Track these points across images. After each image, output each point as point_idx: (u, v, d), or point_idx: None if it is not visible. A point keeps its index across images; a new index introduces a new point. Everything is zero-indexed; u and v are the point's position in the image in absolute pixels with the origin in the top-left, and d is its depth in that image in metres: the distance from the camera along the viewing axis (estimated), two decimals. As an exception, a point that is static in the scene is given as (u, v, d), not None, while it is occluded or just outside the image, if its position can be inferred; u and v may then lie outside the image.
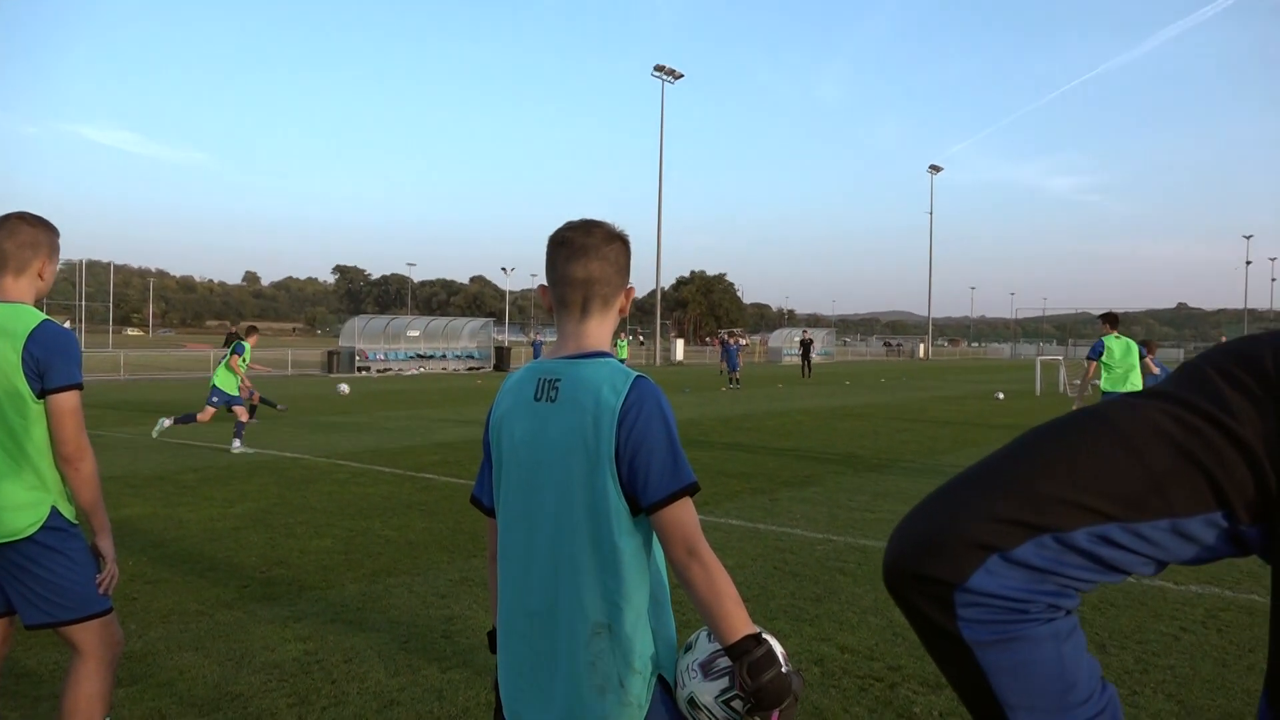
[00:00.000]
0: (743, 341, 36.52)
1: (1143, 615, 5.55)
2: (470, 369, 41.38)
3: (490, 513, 2.07)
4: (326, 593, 5.82)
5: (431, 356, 40.88)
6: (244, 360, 13.11)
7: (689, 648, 1.92)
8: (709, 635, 1.90)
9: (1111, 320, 10.64)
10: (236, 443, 12.54)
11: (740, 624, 1.76)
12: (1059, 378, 29.94)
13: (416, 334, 40.94)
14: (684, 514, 1.82)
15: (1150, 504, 0.68)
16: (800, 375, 37.24)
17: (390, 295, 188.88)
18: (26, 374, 2.83)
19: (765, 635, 1.79)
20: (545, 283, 2.03)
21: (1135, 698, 4.30)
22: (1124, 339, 10.51)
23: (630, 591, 1.85)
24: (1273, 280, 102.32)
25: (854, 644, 4.95)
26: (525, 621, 1.93)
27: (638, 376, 1.90)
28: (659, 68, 50.86)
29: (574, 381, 1.91)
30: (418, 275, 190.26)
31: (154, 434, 13.17)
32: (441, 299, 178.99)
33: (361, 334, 38.54)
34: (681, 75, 51.89)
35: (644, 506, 1.83)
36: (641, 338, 37.39)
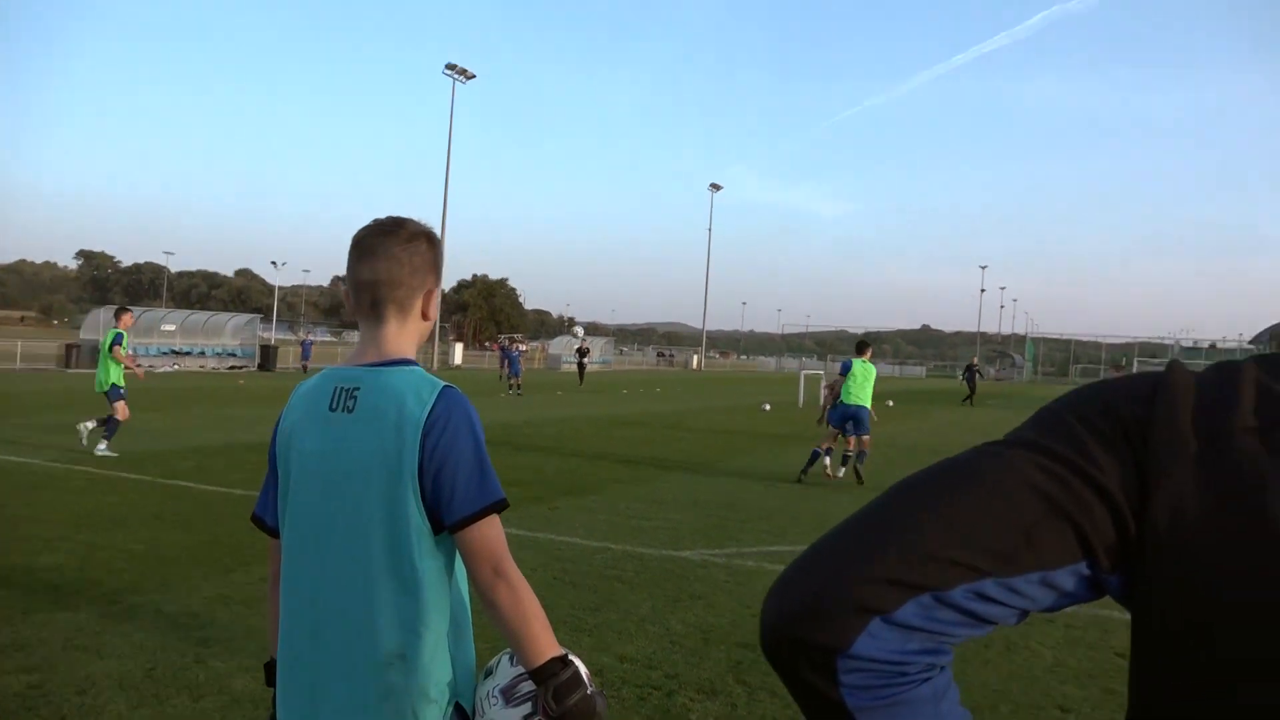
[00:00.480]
0: (523, 348, 36.42)
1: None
2: (232, 368, 38.77)
3: (274, 532, 1.90)
4: (56, 615, 5.21)
5: (189, 353, 37.99)
6: (124, 348, 12.05)
7: (489, 673, 1.83)
8: (511, 658, 1.82)
9: (861, 347, 12.61)
10: (103, 445, 11.39)
11: (547, 646, 1.69)
12: (820, 391, 31.85)
13: (172, 329, 37.90)
14: (491, 532, 1.73)
15: (1024, 558, 0.68)
16: (578, 383, 37.56)
17: (143, 286, 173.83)
18: None
19: (571, 657, 1.73)
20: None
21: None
22: (868, 364, 12.40)
23: (430, 616, 1.75)
24: (1001, 307, 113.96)
25: (632, 653, 4.99)
26: (310, 651, 1.78)
27: (445, 386, 1.79)
28: (451, 66, 49.92)
29: (374, 390, 1.78)
30: (176, 265, 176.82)
31: (95, 449, 11.50)
32: (202, 292, 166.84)
33: (107, 327, 35.17)
34: (474, 76, 51.17)
35: (448, 524, 1.73)
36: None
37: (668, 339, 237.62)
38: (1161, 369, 0.72)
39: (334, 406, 1.80)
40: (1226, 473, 0.64)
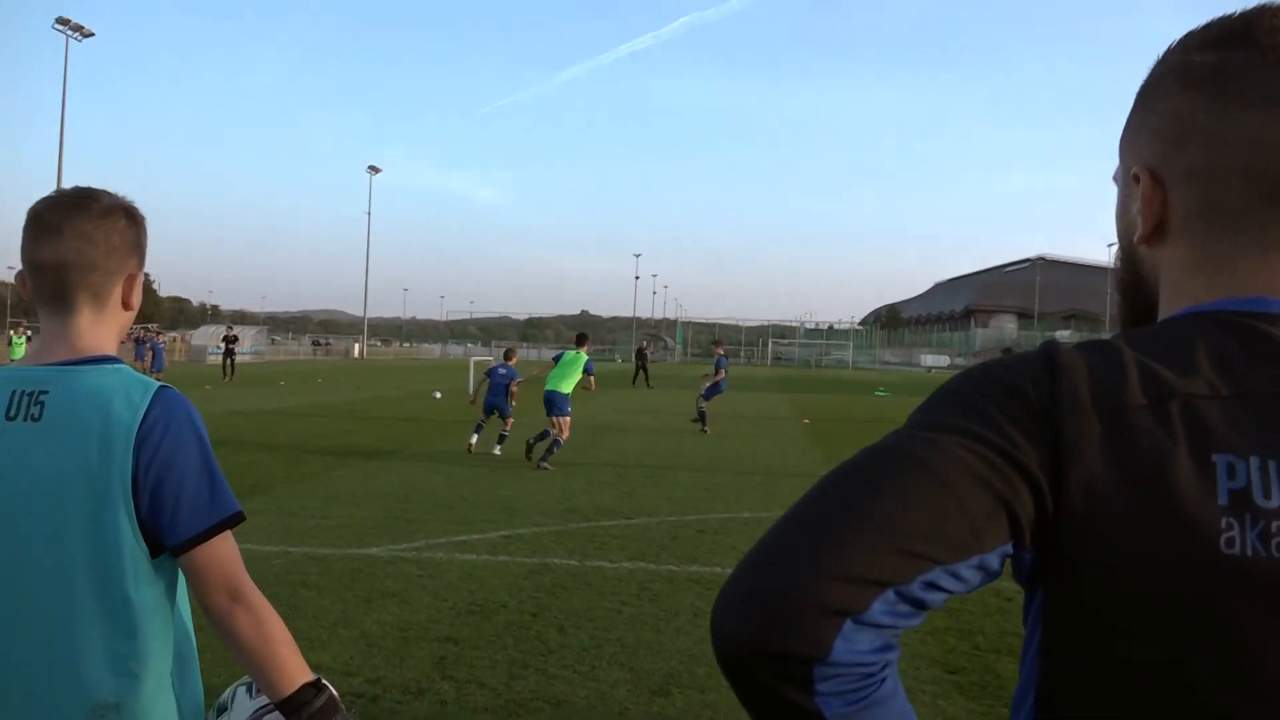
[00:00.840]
0: (161, 340, 33.08)
1: (589, 594, 6.11)
2: None
3: None
4: None
5: None
6: None
7: (222, 709, 1.63)
8: (249, 690, 1.63)
9: (580, 339, 14.08)
10: None
11: (297, 672, 1.53)
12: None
13: None
14: (224, 551, 1.54)
15: (970, 544, 0.68)
16: (222, 376, 34.73)
17: None
18: None
19: (323, 681, 1.58)
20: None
21: (594, 671, 4.71)
22: (581, 354, 13.36)
23: (149, 655, 1.51)
24: (654, 293, 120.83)
25: (328, 661, 4.70)
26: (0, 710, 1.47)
27: (160, 386, 1.56)
28: (62, 20, 43.83)
29: (69, 394, 1.51)
30: None
31: None
32: None
33: None
34: (92, 34, 45.33)
35: (170, 546, 1.51)
36: (29, 332, 31.58)
37: (325, 327, 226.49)
38: (1040, 349, 0.76)
39: (12, 414, 1.51)
40: (1129, 450, 0.69)
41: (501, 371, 13.84)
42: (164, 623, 1.56)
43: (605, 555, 7.24)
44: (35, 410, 1.51)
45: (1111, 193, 0.90)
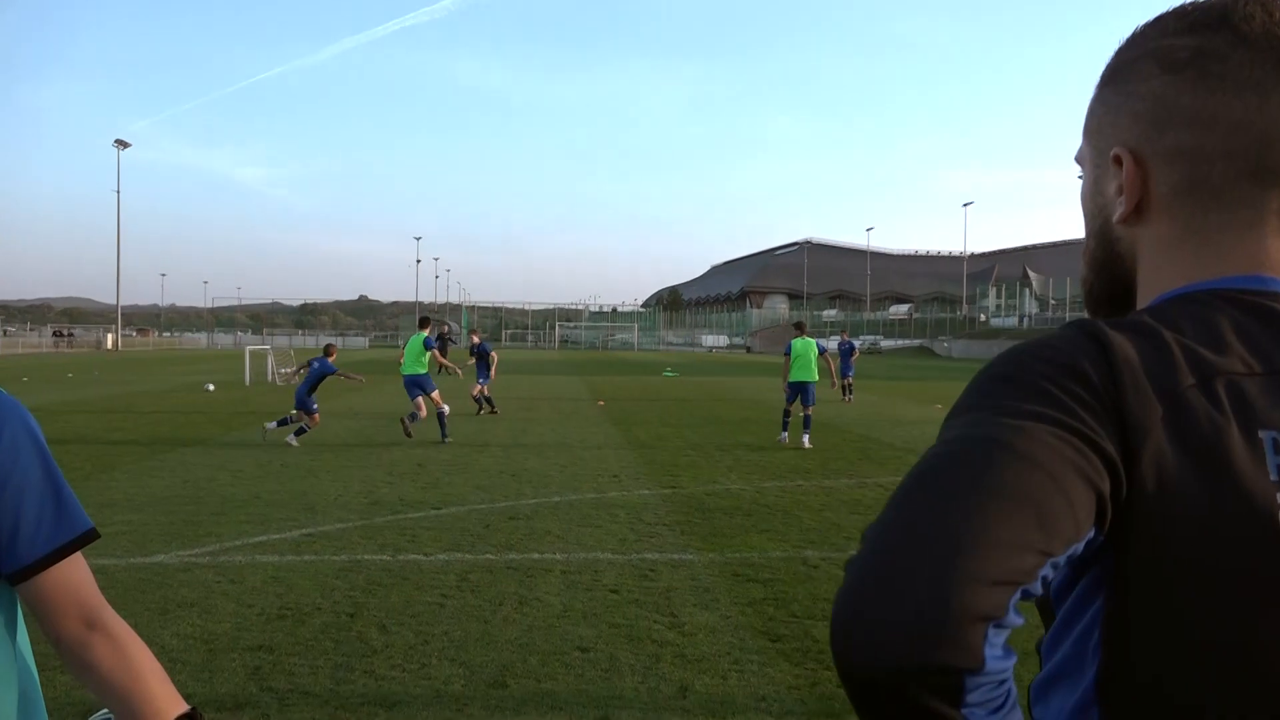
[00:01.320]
0: None
1: (409, 589, 5.91)
2: None
3: None
4: None
5: None
6: None
7: None
8: None
9: (799, 326, 14.85)
10: None
11: (169, 704, 1.37)
12: (267, 367, 30.16)
13: None
14: (77, 574, 1.35)
15: (1071, 534, 0.67)
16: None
17: None
18: None
19: (198, 711, 1.42)
20: None
21: (425, 669, 4.55)
22: (808, 340, 14.32)
23: None
24: (436, 277, 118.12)
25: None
26: None
27: None
28: None
29: None
30: None
31: None
32: None
33: None
34: None
35: (9, 572, 1.30)
36: None
37: (69, 316, 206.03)
38: (1079, 327, 0.77)
39: None
40: (1191, 430, 0.71)
41: (315, 365, 13.96)
42: (6, 661, 1.35)
43: (418, 548, 7.03)
44: None
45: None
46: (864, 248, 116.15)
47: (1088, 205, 0.92)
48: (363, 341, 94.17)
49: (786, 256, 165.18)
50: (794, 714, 4.12)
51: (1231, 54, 0.79)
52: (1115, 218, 0.87)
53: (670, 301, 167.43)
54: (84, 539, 1.36)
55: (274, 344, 48.59)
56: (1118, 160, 0.85)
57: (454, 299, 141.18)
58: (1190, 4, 0.84)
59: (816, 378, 14.18)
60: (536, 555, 6.86)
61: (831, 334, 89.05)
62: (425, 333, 14.71)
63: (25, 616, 1.44)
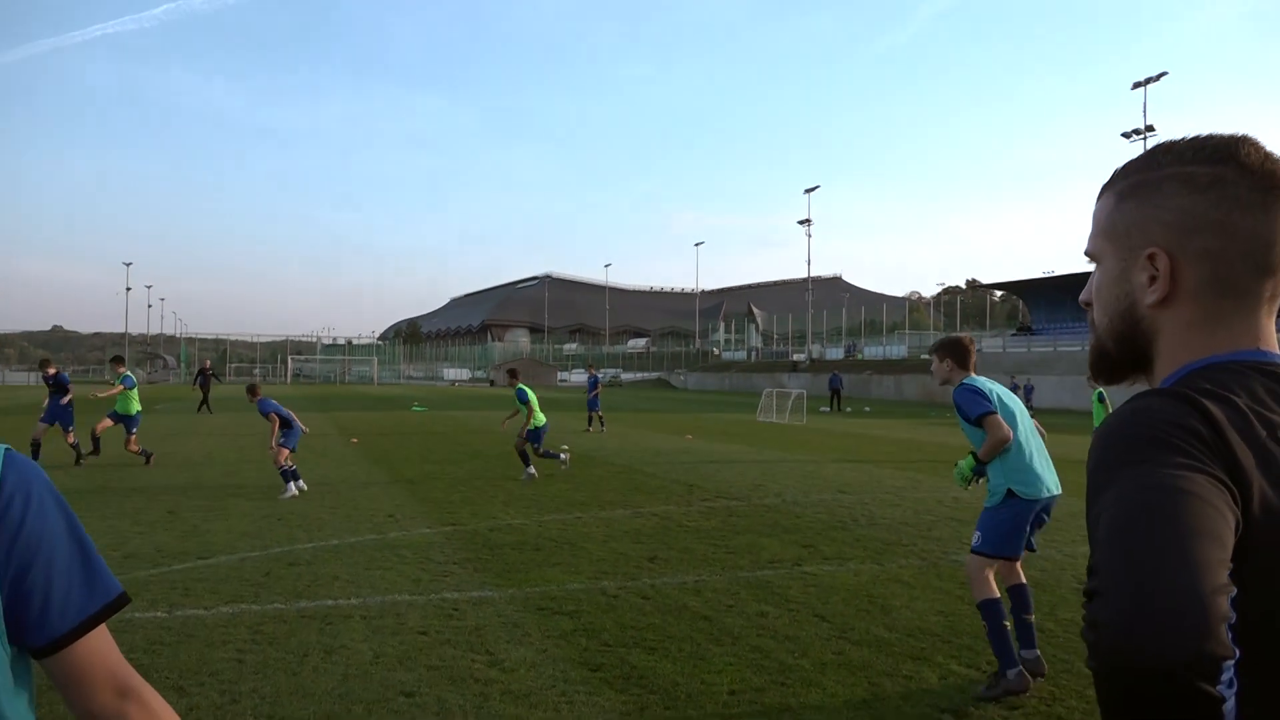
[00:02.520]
0: None
1: (198, 647, 5.50)
2: None
3: None
4: None
5: None
6: None
7: None
8: None
9: (514, 374, 14.87)
10: None
11: None
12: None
13: None
14: (106, 643, 1.30)
15: (1231, 549, 0.88)
16: None
17: None
18: None
19: None
20: None
21: (241, 730, 4.29)
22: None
23: None
24: (149, 306, 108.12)
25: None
26: None
27: (6, 450, 1.26)
28: None
29: None
30: None
31: None
32: None
33: None
34: None
35: (39, 645, 1.23)
36: None
37: None
38: (1175, 394, 1.00)
39: None
40: (1275, 470, 0.96)
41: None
42: None
43: (196, 602, 6.53)
44: None
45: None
46: (603, 283, 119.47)
47: (1110, 291, 1.17)
48: (25, 377, 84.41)
49: (527, 290, 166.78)
50: (631, 738, 4.27)
51: (1240, 181, 1.08)
52: (1147, 302, 1.12)
53: (409, 334, 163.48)
54: (116, 604, 1.30)
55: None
56: (1152, 258, 1.11)
57: (169, 330, 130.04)
58: (1203, 139, 1.13)
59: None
60: (330, 601, 6.59)
61: (575, 367, 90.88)
62: (122, 373, 16.07)
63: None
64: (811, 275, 77.50)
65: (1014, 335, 64.39)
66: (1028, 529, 5.18)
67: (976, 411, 5.12)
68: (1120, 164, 1.19)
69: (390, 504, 11.19)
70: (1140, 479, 0.93)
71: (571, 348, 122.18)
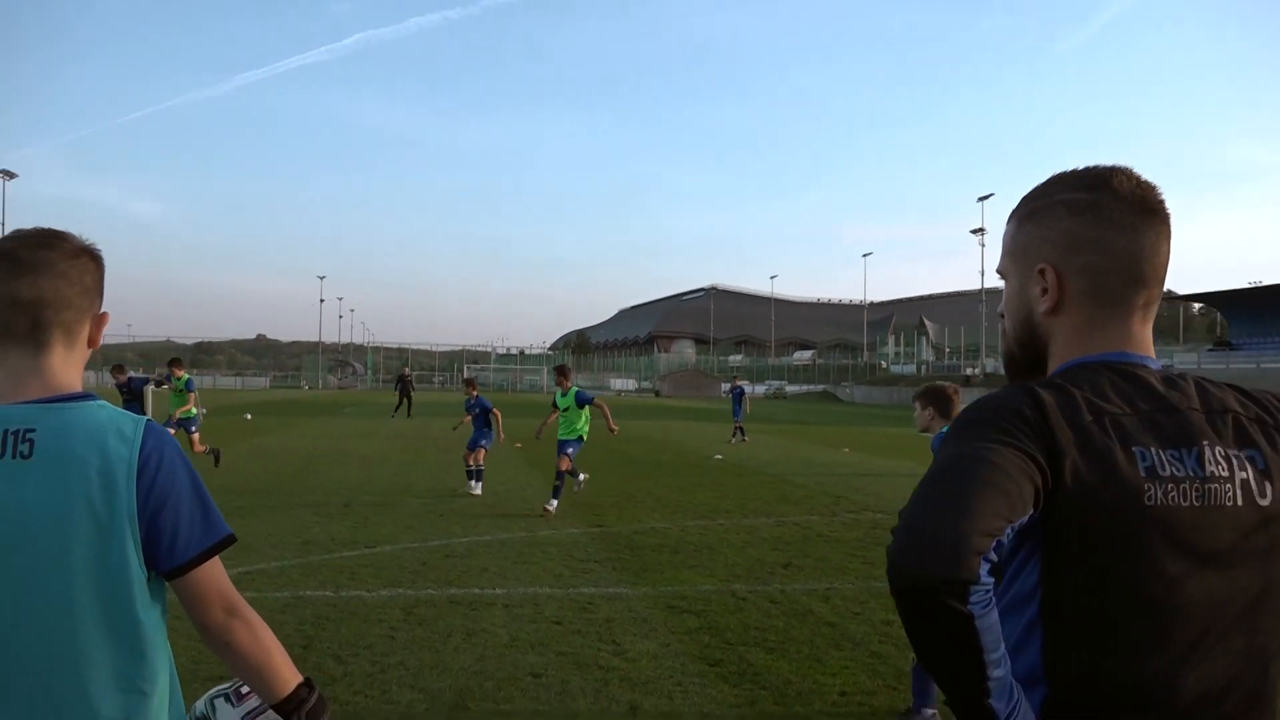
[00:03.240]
0: None
1: (357, 623, 6.09)
2: None
3: None
4: None
5: None
6: None
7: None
8: (228, 698, 1.74)
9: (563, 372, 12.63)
10: None
11: (291, 674, 1.69)
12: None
13: None
14: (219, 571, 1.67)
15: (1021, 510, 1.10)
16: None
17: None
18: None
19: (310, 679, 1.73)
20: None
21: (386, 694, 4.78)
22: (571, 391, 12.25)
23: (155, 672, 1.62)
24: (340, 317, 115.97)
25: None
26: None
27: (147, 421, 1.65)
28: None
29: (58, 432, 1.57)
30: None
31: None
32: None
33: None
34: None
35: (166, 570, 1.61)
36: None
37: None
38: (1019, 388, 1.21)
39: (0, 452, 1.56)
40: (1091, 448, 1.16)
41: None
42: (164, 640, 1.66)
43: (360, 585, 7.20)
44: (24, 448, 1.56)
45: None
46: (768, 294, 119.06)
47: (1014, 303, 1.38)
48: (263, 381, 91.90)
49: (693, 302, 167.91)
50: (737, 728, 4.49)
51: (1114, 205, 1.26)
52: (1040, 311, 1.32)
53: (578, 345, 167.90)
54: (225, 542, 1.67)
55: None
56: (1042, 272, 1.30)
57: (358, 339, 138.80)
58: (1086, 170, 1.32)
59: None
60: (477, 590, 7.11)
61: (741, 379, 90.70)
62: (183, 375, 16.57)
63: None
64: (985, 286, 74.72)
65: (1210, 350, 59.68)
66: None
67: None
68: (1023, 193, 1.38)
69: (543, 505, 11.74)
70: (957, 448, 1.15)
71: (737, 358, 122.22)
